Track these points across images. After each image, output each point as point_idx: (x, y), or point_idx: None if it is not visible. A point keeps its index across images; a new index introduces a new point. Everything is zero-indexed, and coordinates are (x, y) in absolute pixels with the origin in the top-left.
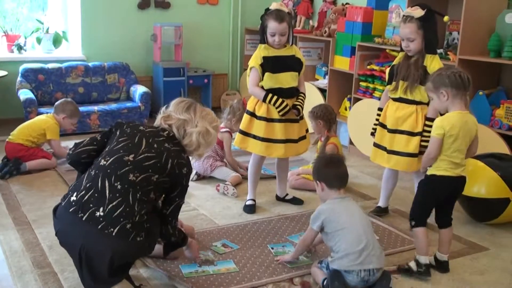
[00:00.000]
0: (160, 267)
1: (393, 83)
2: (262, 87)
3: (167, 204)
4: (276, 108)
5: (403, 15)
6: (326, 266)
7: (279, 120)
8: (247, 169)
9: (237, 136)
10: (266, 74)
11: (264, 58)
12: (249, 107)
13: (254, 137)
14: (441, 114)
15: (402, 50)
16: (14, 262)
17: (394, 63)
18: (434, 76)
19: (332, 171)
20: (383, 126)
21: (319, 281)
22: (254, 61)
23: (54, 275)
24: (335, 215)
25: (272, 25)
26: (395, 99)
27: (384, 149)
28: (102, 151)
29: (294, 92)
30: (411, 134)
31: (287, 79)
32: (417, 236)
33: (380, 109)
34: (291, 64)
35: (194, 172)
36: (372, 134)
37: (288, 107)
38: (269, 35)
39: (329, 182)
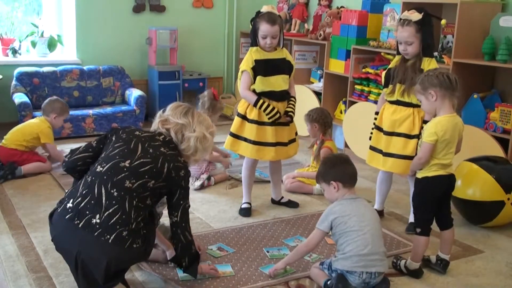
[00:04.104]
0: (155, 271)
1: (390, 86)
2: (254, 91)
3: (174, 211)
4: (267, 114)
5: (401, 19)
6: (328, 266)
7: (271, 124)
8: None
9: (228, 138)
10: (258, 77)
11: (256, 61)
12: (240, 110)
13: (245, 140)
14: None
15: (398, 53)
16: (9, 266)
17: (390, 66)
18: (422, 78)
19: (346, 168)
20: (379, 129)
21: (320, 282)
22: (246, 64)
23: (49, 279)
24: (344, 217)
25: (264, 27)
26: (391, 102)
27: (380, 151)
28: (97, 158)
29: (285, 95)
30: (408, 136)
31: (278, 82)
32: (418, 243)
33: (377, 113)
34: (282, 67)
35: (200, 182)
36: (371, 138)
37: (278, 114)
38: (261, 38)
39: (344, 180)
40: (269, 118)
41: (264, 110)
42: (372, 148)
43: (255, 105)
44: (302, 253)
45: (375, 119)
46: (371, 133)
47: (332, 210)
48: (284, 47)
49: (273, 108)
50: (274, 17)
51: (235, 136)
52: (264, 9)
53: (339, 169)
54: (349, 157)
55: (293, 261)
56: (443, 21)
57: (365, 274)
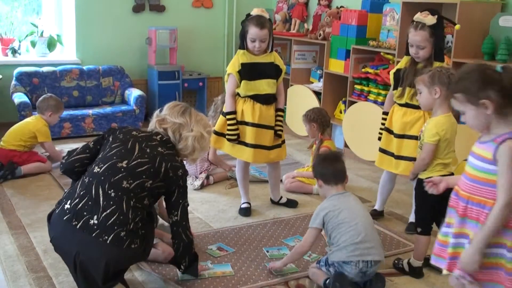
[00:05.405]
0: (155, 270)
1: (399, 89)
2: (238, 94)
3: (174, 210)
4: (228, 130)
5: (414, 21)
6: (325, 262)
7: (252, 125)
8: (233, 167)
9: (212, 136)
10: (243, 81)
11: (242, 64)
12: (225, 109)
13: (225, 137)
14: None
15: (407, 54)
16: (9, 266)
17: (399, 67)
18: (434, 72)
19: (327, 167)
20: (389, 131)
21: (319, 281)
22: (232, 67)
23: (48, 279)
24: (335, 211)
25: (253, 31)
26: (401, 105)
27: (392, 154)
28: (95, 158)
29: (271, 99)
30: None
31: (263, 86)
32: (419, 243)
33: (385, 113)
34: (268, 71)
35: (200, 182)
36: (380, 139)
37: (236, 137)
38: (249, 41)
39: (325, 178)
40: (227, 135)
41: (228, 125)
42: (382, 150)
43: (226, 114)
44: (299, 254)
45: (384, 119)
46: (380, 133)
47: (322, 207)
48: (273, 50)
49: (236, 129)
50: (263, 20)
51: (218, 134)
52: (254, 12)
53: (321, 167)
54: (339, 154)
55: (291, 262)
56: (457, 26)
57: (361, 263)
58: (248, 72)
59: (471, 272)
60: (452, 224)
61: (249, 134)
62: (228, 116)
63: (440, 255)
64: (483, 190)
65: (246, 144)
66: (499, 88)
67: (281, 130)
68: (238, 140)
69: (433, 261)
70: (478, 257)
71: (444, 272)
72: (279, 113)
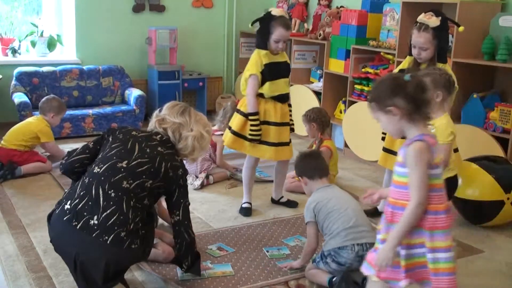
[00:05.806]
0: (155, 270)
1: None
2: (261, 95)
3: (175, 209)
4: (251, 131)
5: (417, 22)
6: (320, 256)
7: (275, 124)
8: (234, 169)
9: (228, 136)
10: (267, 83)
11: (265, 65)
12: (244, 109)
13: (246, 138)
14: None
15: (410, 54)
16: (9, 266)
17: (401, 67)
18: (435, 76)
19: (310, 163)
20: None
21: (321, 280)
22: (255, 68)
23: (49, 279)
24: (323, 201)
25: (280, 32)
26: None
27: (396, 154)
28: (95, 159)
29: (287, 98)
30: None
31: (284, 86)
32: None
33: None
34: (284, 70)
35: (200, 181)
36: (383, 139)
37: (259, 138)
38: (273, 42)
39: (309, 174)
40: (249, 135)
41: (251, 125)
42: (386, 150)
43: (249, 115)
44: (310, 252)
45: None
46: (384, 133)
47: (311, 201)
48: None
49: (259, 130)
50: (288, 22)
51: (236, 134)
52: (276, 12)
53: (303, 164)
54: (318, 152)
55: (307, 262)
56: (460, 28)
57: (356, 246)
58: (270, 72)
59: (384, 268)
60: (380, 230)
61: (272, 134)
62: (251, 117)
63: (370, 262)
64: (404, 194)
65: (267, 143)
66: (404, 95)
67: (293, 124)
68: (260, 140)
69: (363, 268)
70: (391, 254)
71: (374, 279)
72: (290, 108)
